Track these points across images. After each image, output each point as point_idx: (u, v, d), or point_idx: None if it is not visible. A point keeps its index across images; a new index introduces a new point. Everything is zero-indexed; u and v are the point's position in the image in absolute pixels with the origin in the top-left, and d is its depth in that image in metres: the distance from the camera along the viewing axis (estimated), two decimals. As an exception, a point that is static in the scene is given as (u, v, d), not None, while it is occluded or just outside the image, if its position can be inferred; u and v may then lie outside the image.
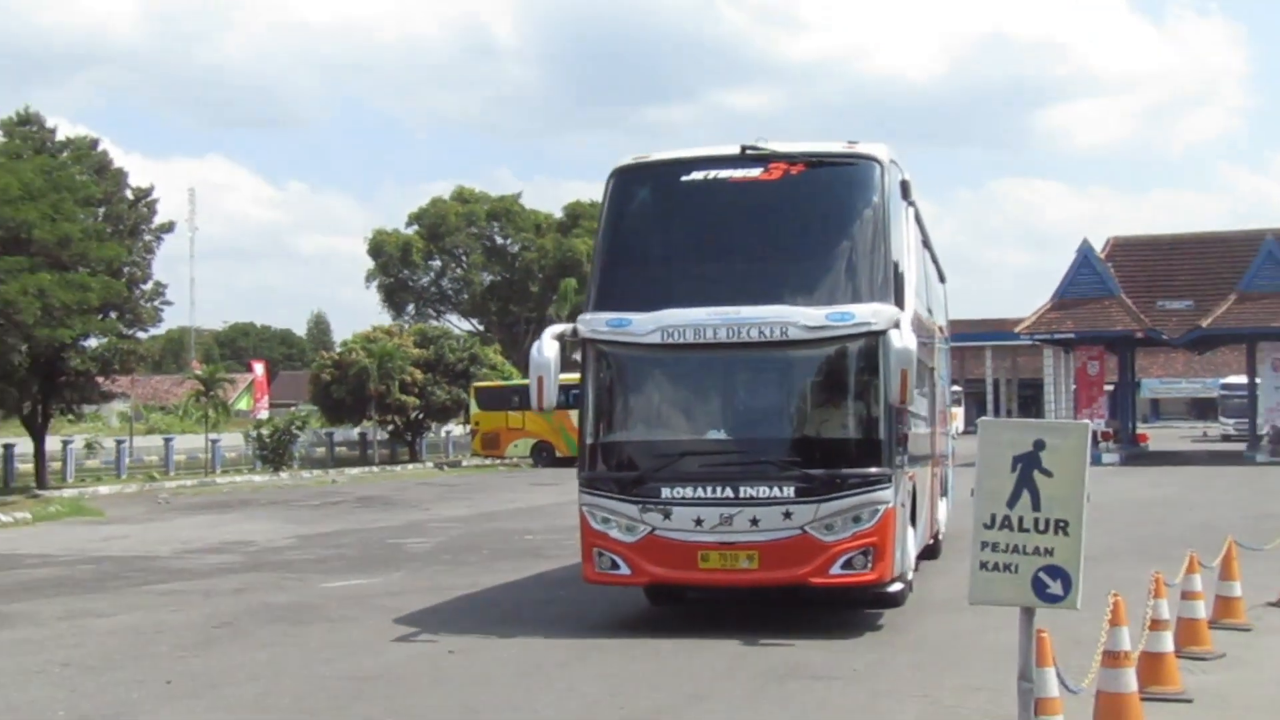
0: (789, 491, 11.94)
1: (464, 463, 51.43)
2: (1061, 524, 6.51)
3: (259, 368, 61.66)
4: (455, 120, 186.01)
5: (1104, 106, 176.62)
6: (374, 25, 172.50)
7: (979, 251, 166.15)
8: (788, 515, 11.85)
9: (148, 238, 38.83)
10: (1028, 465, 6.57)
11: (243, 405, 73.03)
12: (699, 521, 12.00)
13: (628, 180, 13.64)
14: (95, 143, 39.69)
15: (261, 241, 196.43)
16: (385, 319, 71.03)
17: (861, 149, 13.11)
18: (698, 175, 13.28)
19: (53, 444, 39.33)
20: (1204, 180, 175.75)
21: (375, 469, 48.16)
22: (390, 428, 52.54)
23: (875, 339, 11.88)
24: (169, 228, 40.31)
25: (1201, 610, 11.35)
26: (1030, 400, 73.09)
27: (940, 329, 20.74)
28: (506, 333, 76.23)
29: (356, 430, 52.88)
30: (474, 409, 49.51)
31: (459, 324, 78.64)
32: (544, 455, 47.17)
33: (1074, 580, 6.48)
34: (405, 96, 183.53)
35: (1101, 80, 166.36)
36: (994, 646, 10.65)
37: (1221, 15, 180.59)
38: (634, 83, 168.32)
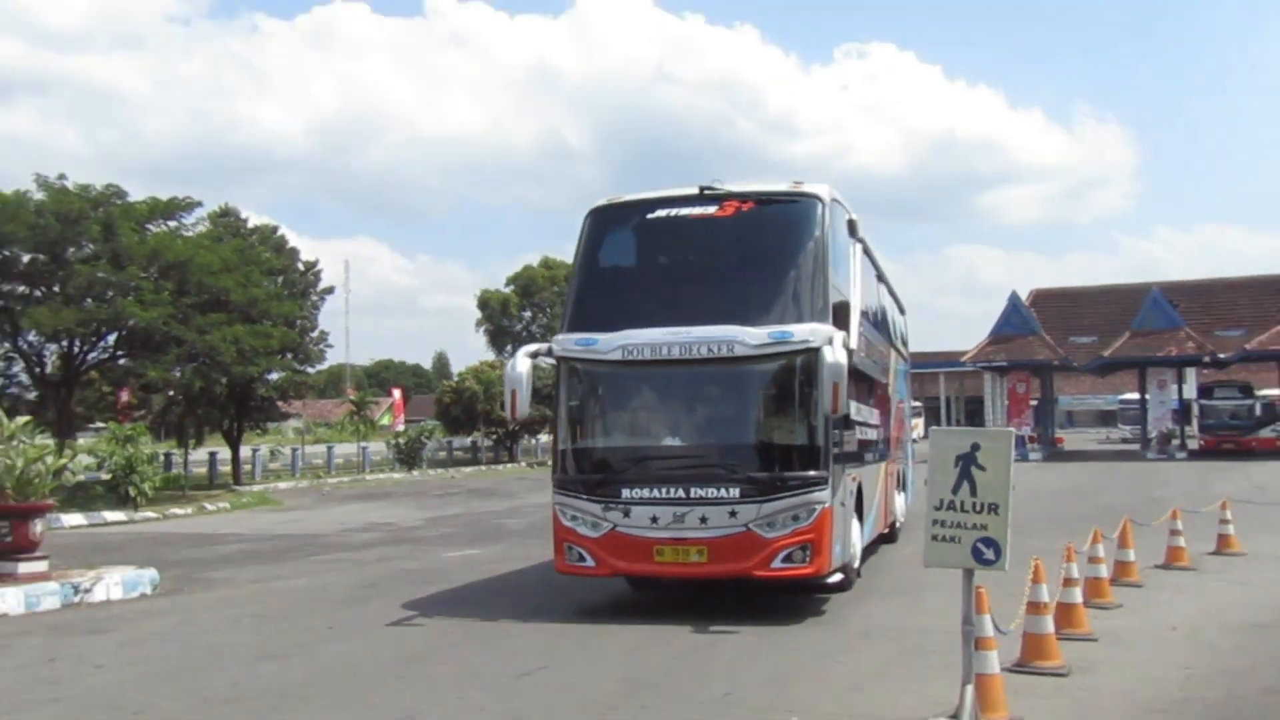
0: (734, 492, 10.44)
1: (549, 462, 50.98)
2: (993, 506, 6.46)
3: (397, 393, 61.55)
4: (541, 206, 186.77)
5: (1029, 191, 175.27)
6: (479, 137, 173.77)
7: (934, 301, 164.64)
8: (733, 514, 10.41)
9: (314, 298, 39.13)
10: (967, 462, 6.53)
11: (385, 421, 73.09)
12: (654, 519, 10.57)
13: (601, 218, 12.10)
14: (275, 229, 40.39)
15: (398, 299, 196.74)
16: (490, 356, 71.31)
17: (805, 188, 11.62)
18: (661, 213, 11.78)
19: (245, 452, 39.70)
20: (1105, 245, 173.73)
21: (483, 468, 48.22)
22: (494, 437, 52.49)
23: (813, 355, 10.34)
24: (330, 290, 40.76)
25: (1104, 571, 11.29)
26: (974, 413, 72.44)
27: (899, 352, 19.19)
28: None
29: (469, 439, 52.88)
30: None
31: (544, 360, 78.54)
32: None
33: (1003, 548, 6.43)
34: (503, 189, 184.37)
35: (1027, 171, 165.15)
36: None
37: (1116, 123, 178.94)
38: (672, 176, 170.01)
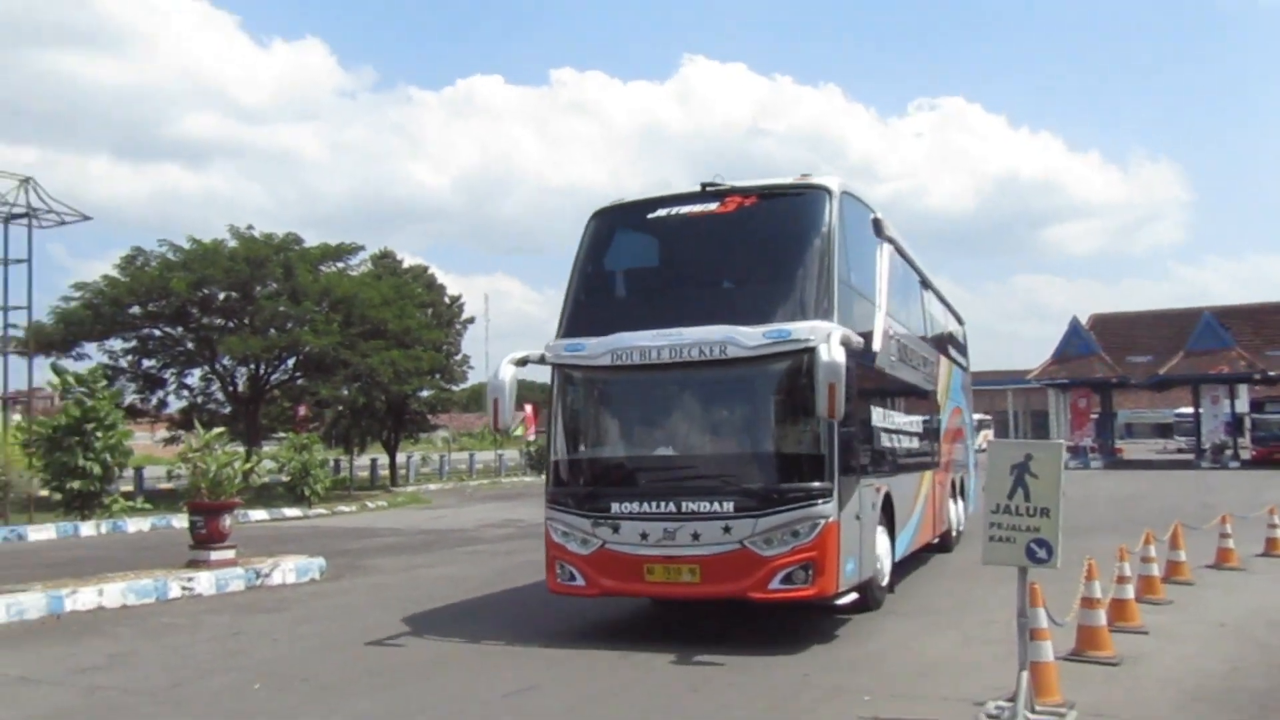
0: (728, 506, 8.45)
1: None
2: (1044, 510, 6.26)
3: (529, 408, 62.62)
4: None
5: (1088, 225, 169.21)
6: (598, 187, 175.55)
7: (1002, 325, 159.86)
8: (727, 530, 8.41)
9: (458, 327, 39.63)
10: (1021, 471, 6.34)
11: (518, 432, 73.62)
12: (644, 535, 8.65)
13: (602, 220, 10.16)
14: (426, 268, 40.93)
15: (529, 327, 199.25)
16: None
17: (812, 180, 9.59)
18: (661, 212, 9.82)
19: (400, 458, 40.59)
20: (1159, 273, 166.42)
21: (601, 473, 48.22)
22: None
23: (813, 355, 8.22)
24: (471, 320, 41.23)
25: (1156, 570, 10.78)
26: (1039, 425, 70.08)
27: (955, 361, 16.69)
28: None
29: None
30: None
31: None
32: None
33: (1054, 548, 6.22)
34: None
35: (1086, 207, 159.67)
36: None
37: (1168, 161, 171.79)
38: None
